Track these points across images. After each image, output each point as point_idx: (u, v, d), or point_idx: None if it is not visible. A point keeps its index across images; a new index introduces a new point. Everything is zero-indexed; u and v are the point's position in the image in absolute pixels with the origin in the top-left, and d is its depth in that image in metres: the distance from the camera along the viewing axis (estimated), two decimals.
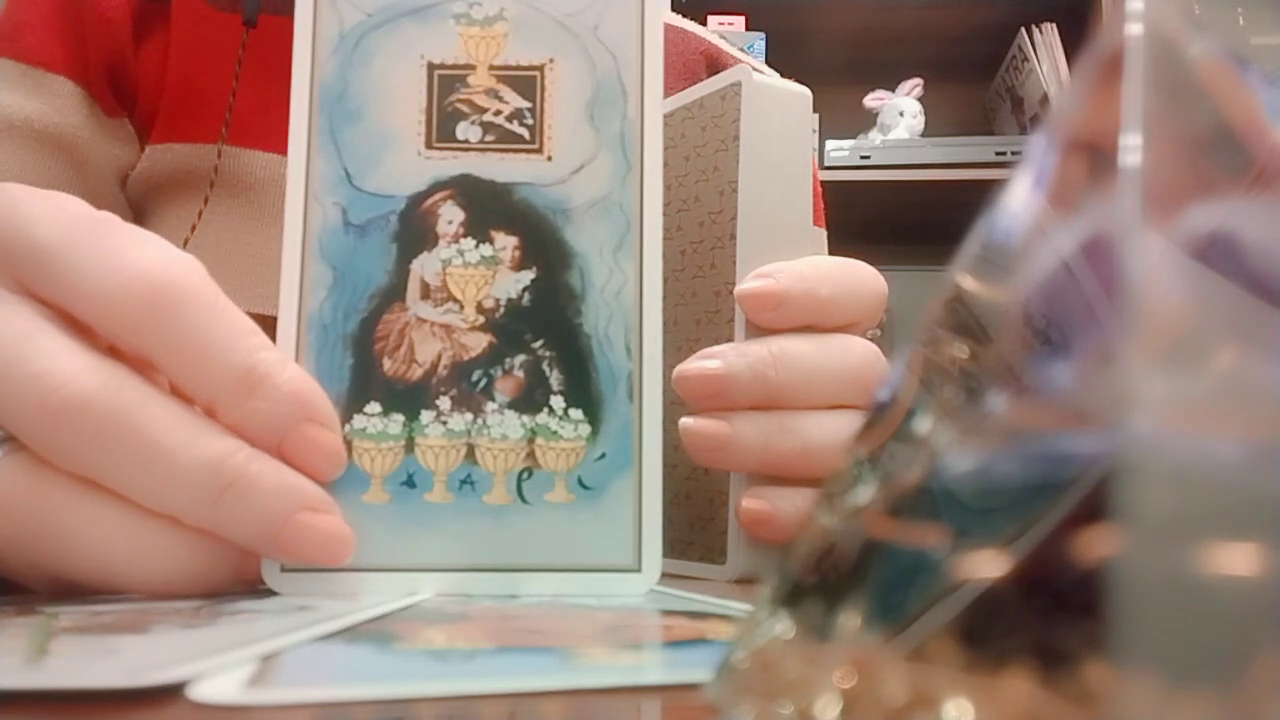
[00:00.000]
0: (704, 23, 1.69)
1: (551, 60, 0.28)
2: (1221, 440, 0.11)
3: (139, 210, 0.54)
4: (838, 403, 0.34)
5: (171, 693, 0.14)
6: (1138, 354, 0.10)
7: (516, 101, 0.28)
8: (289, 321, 0.27)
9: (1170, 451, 0.10)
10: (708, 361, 0.32)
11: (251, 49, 0.51)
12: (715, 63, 0.66)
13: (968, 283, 0.13)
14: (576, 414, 0.27)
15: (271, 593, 0.26)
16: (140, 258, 0.24)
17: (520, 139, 0.28)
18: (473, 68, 0.28)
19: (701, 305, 0.36)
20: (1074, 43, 1.65)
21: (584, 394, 0.27)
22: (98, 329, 0.24)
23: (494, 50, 0.28)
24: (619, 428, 0.27)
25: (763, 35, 1.72)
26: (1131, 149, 0.11)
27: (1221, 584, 0.10)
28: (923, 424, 0.13)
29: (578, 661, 0.17)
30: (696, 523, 0.35)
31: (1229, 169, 0.13)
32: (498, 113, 0.28)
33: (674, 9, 1.62)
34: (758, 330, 0.34)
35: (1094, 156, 0.13)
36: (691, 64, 0.66)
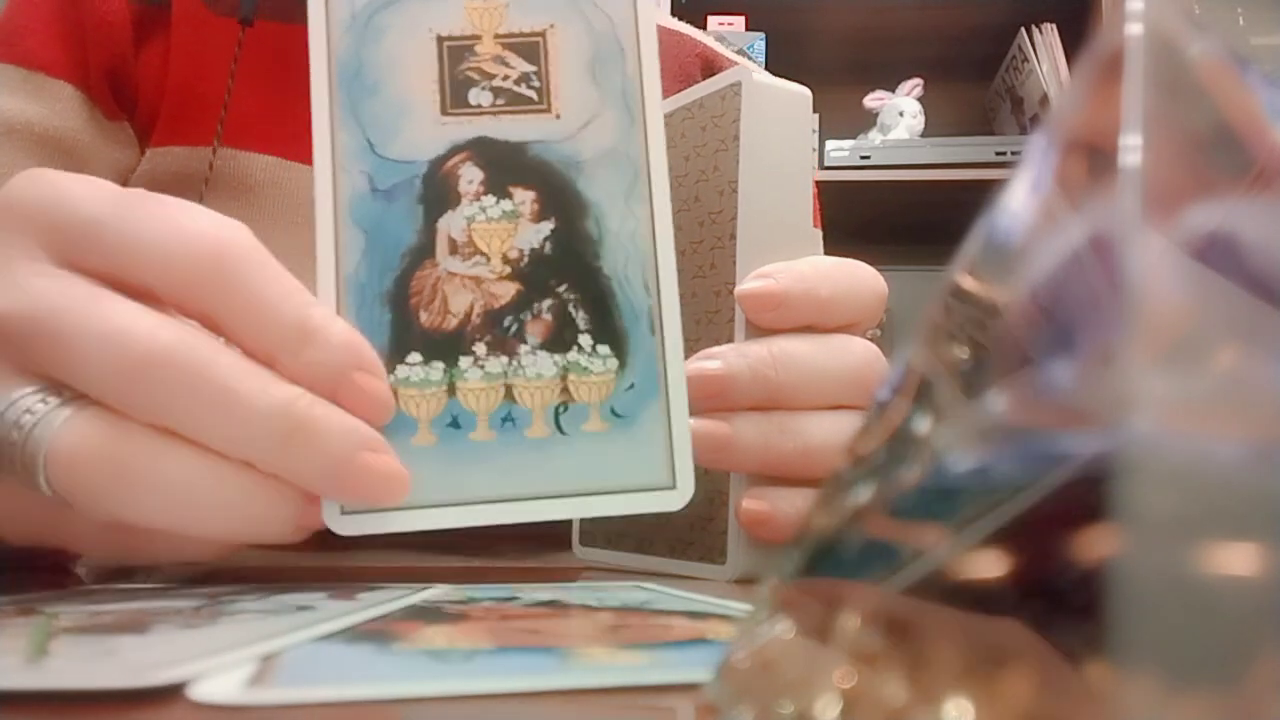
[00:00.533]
0: (704, 23, 1.69)
1: (552, 25, 0.30)
2: (1221, 440, 0.11)
3: None
4: (838, 403, 0.34)
5: (171, 693, 0.14)
6: (1138, 354, 0.10)
7: (522, 66, 0.30)
8: (328, 284, 0.28)
9: (1170, 451, 0.10)
10: (708, 362, 0.33)
11: (250, 52, 0.51)
12: (711, 65, 0.66)
13: (968, 283, 0.13)
14: (604, 349, 0.29)
15: (272, 593, 0.26)
16: (196, 222, 0.26)
17: (529, 100, 0.30)
18: (479, 38, 0.30)
19: (701, 305, 0.36)
20: (1074, 43, 1.65)
21: (609, 330, 0.29)
22: (160, 291, 0.25)
23: (497, 20, 0.30)
24: (644, 359, 0.29)
25: (762, 35, 1.72)
26: (1131, 149, 0.11)
27: (1221, 584, 0.10)
28: (923, 424, 0.13)
29: (578, 661, 0.17)
30: (696, 523, 0.35)
31: (1229, 169, 0.13)
32: (505, 77, 0.30)
33: (673, 10, 1.62)
34: (758, 330, 0.34)
35: (1094, 156, 0.13)
36: (687, 66, 0.66)
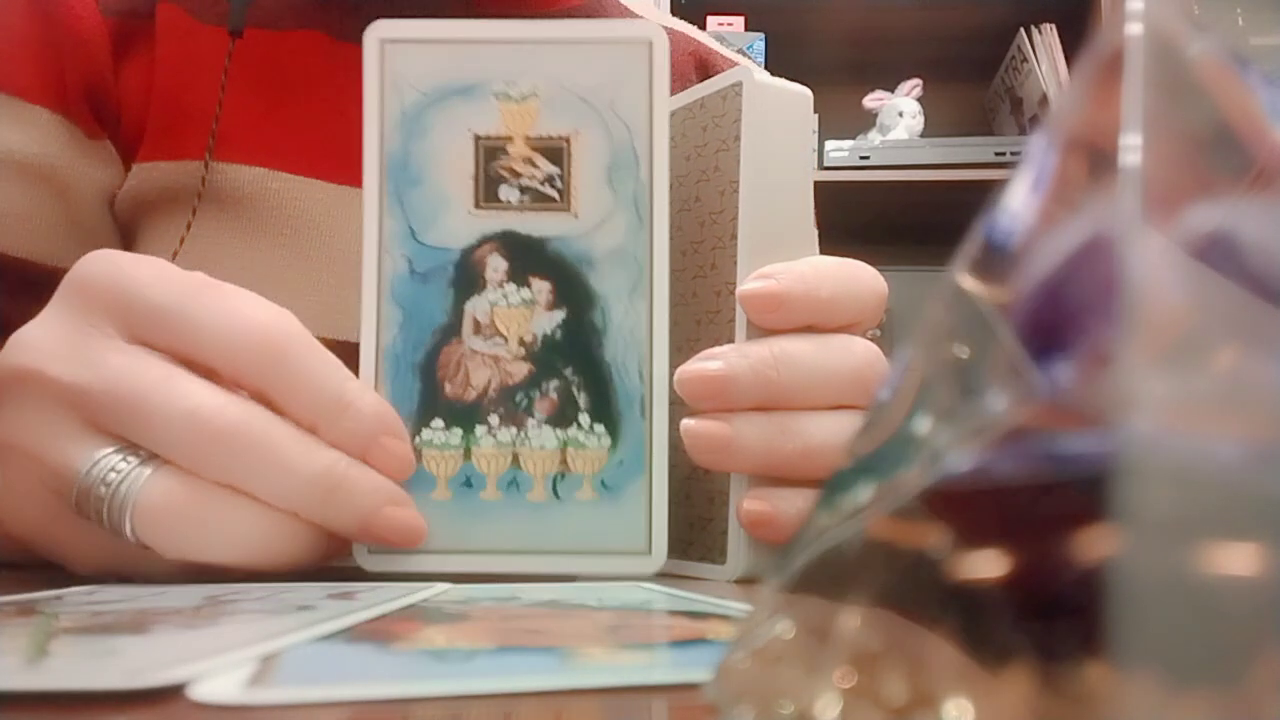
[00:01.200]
0: (703, 23, 1.69)
1: (577, 131, 0.33)
2: (1221, 440, 0.11)
3: (128, 229, 0.53)
4: (839, 403, 0.34)
5: (171, 693, 0.14)
6: (1138, 354, 0.10)
7: (548, 168, 0.33)
8: (369, 354, 0.32)
9: (1170, 451, 0.10)
10: (709, 363, 0.33)
11: (238, 62, 0.51)
12: (705, 64, 0.66)
13: (968, 283, 0.13)
14: (599, 428, 0.33)
15: (272, 593, 0.26)
16: (251, 311, 0.30)
17: (552, 200, 0.33)
18: (511, 139, 0.33)
19: (702, 305, 0.36)
20: (1073, 43, 1.65)
21: (605, 412, 0.33)
22: (222, 371, 0.29)
23: (528, 123, 0.33)
24: (634, 439, 0.32)
25: (762, 36, 1.72)
26: (1131, 149, 0.11)
27: (1221, 584, 0.10)
28: (923, 424, 0.13)
29: (578, 661, 0.17)
30: (696, 523, 0.35)
31: (1229, 169, 0.13)
32: (533, 177, 0.33)
33: (673, 10, 1.62)
34: (759, 330, 0.34)
35: (1094, 156, 0.13)
36: (680, 65, 0.65)
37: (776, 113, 0.35)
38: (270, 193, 0.52)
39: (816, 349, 0.33)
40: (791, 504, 0.33)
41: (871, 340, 0.36)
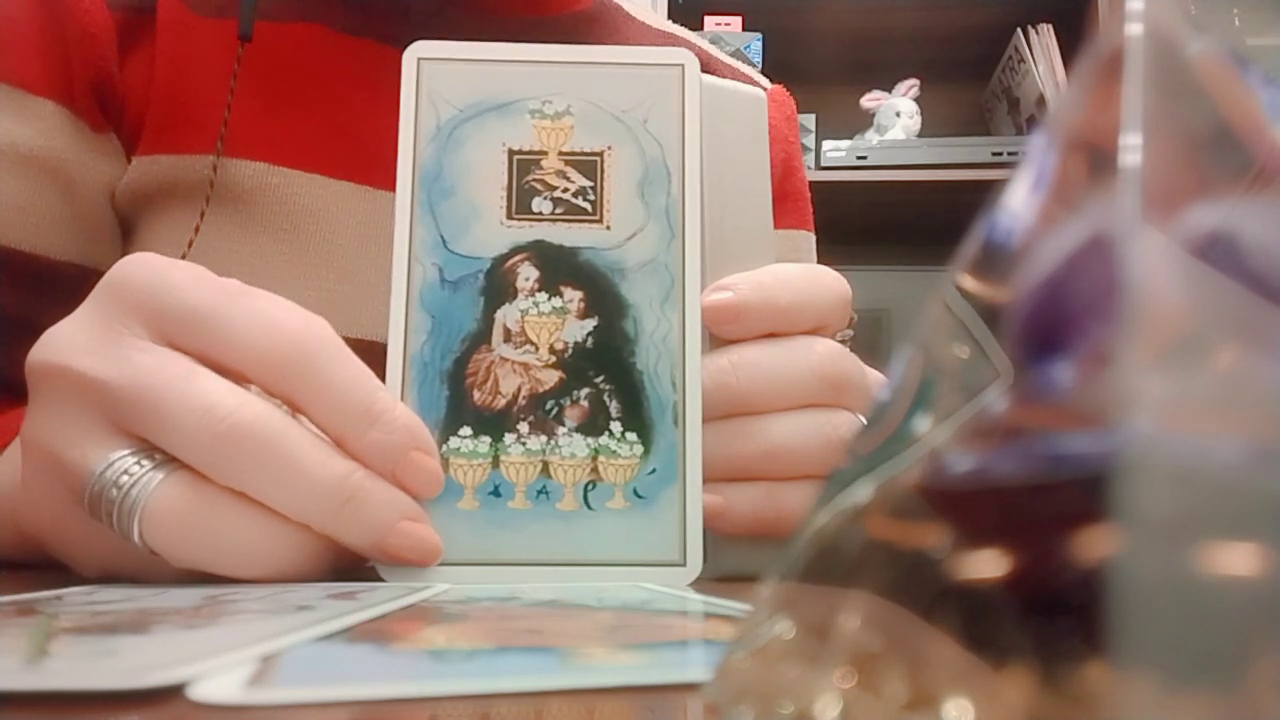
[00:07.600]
0: (701, 23, 1.69)
1: (610, 147, 0.34)
2: (1221, 440, 0.11)
3: (128, 223, 0.53)
4: (805, 402, 0.34)
5: (171, 693, 0.14)
6: (1138, 354, 0.10)
7: (581, 181, 0.34)
8: (396, 361, 0.32)
9: (1170, 451, 0.10)
10: None
11: (236, 55, 0.51)
12: (705, 70, 0.66)
13: (968, 283, 0.13)
14: (632, 436, 0.32)
15: (272, 593, 0.26)
16: (283, 317, 0.30)
17: (584, 211, 0.34)
18: (545, 153, 0.34)
19: None
20: (1070, 43, 1.65)
21: (637, 419, 0.33)
22: (250, 375, 0.29)
23: (562, 139, 0.34)
24: (666, 447, 0.32)
25: (759, 36, 1.72)
26: (1131, 149, 0.11)
27: (1221, 584, 0.10)
28: (922, 424, 0.13)
29: (578, 661, 0.17)
30: None
31: (1229, 169, 0.13)
32: (565, 190, 0.34)
33: (670, 10, 1.62)
34: (721, 341, 0.34)
35: (1094, 156, 0.13)
36: None
37: (729, 115, 0.36)
38: (270, 188, 0.52)
39: (776, 352, 0.34)
40: (744, 496, 0.33)
41: (842, 344, 0.36)
